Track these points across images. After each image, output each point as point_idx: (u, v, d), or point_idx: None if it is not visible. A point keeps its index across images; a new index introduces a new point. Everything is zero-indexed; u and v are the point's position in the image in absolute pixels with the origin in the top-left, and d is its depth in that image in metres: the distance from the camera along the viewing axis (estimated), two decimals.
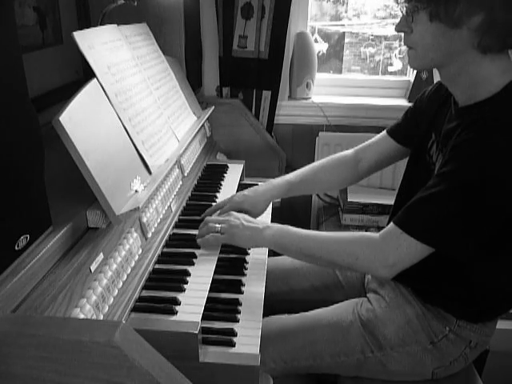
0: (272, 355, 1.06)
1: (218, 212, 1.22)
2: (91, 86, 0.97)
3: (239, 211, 1.17)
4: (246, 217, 1.10)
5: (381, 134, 1.27)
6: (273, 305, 1.23)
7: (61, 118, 0.80)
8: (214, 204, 1.31)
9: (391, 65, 2.16)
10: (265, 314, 1.03)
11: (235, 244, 1.08)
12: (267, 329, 1.05)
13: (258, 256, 1.18)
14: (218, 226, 1.08)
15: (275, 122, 1.91)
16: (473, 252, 0.94)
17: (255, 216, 1.23)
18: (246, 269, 1.14)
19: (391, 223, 0.93)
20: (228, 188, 1.44)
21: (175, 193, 1.26)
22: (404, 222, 0.90)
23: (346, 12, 2.13)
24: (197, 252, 1.09)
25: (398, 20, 0.96)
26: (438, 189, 0.87)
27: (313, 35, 2.03)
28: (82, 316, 0.76)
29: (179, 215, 1.24)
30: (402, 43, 0.97)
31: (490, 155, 0.83)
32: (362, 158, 1.29)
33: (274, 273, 1.27)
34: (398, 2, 0.93)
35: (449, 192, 0.86)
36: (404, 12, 0.92)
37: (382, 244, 0.93)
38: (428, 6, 0.86)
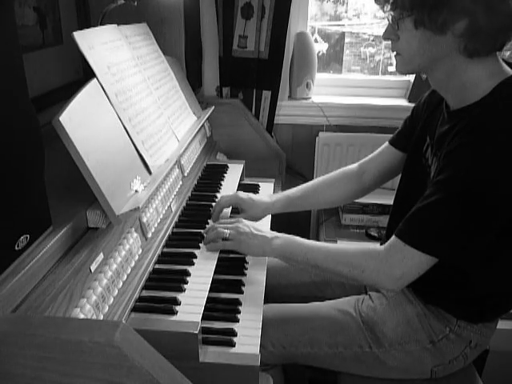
0: (271, 339, 1.07)
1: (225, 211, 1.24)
2: (91, 86, 0.97)
3: (236, 206, 1.23)
4: (256, 225, 1.11)
5: (383, 145, 1.27)
6: (273, 300, 1.23)
7: (61, 118, 0.80)
8: (214, 204, 1.31)
9: (391, 65, 2.16)
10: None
11: (242, 251, 1.10)
12: (269, 314, 1.06)
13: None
14: (226, 231, 1.09)
15: (275, 121, 1.91)
16: (475, 257, 0.94)
17: (249, 217, 1.24)
18: (246, 269, 1.14)
19: (393, 236, 0.93)
20: (228, 188, 1.44)
21: (175, 193, 1.26)
22: (406, 234, 0.91)
23: (346, 12, 2.13)
24: (197, 252, 1.09)
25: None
26: (435, 198, 0.88)
27: (313, 35, 2.03)
28: (82, 316, 0.76)
29: (179, 215, 1.24)
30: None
31: (481, 160, 0.83)
32: (365, 171, 1.29)
33: (275, 267, 1.27)
34: (384, 11, 0.94)
35: (446, 200, 0.87)
36: (390, 20, 0.93)
37: (387, 257, 0.93)
38: (412, 14, 0.87)
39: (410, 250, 0.89)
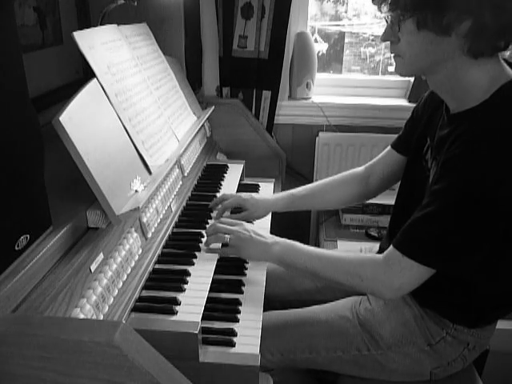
0: (269, 347, 1.06)
1: (223, 209, 1.27)
2: (91, 86, 0.97)
3: (240, 207, 1.24)
4: (256, 229, 1.10)
5: (386, 148, 1.26)
6: (275, 305, 1.23)
7: (61, 118, 0.80)
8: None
9: (391, 65, 2.16)
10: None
11: (242, 257, 1.10)
12: (266, 322, 1.06)
13: None
14: (226, 237, 1.08)
15: (275, 121, 1.91)
16: (474, 267, 0.93)
17: (252, 217, 1.27)
18: (246, 269, 1.14)
19: (391, 247, 0.92)
20: (228, 188, 1.45)
21: (175, 193, 1.26)
22: (403, 246, 0.90)
23: (345, 12, 2.13)
24: (197, 252, 1.09)
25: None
26: (433, 208, 0.86)
27: (313, 35, 2.03)
28: (82, 316, 0.76)
29: (179, 215, 1.24)
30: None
31: (479, 169, 0.81)
32: (371, 174, 1.28)
33: (276, 272, 1.27)
34: (381, 11, 0.89)
35: (443, 210, 0.85)
36: (389, 21, 0.90)
37: (386, 267, 0.92)
38: (414, 15, 0.83)
39: (408, 261, 0.88)
